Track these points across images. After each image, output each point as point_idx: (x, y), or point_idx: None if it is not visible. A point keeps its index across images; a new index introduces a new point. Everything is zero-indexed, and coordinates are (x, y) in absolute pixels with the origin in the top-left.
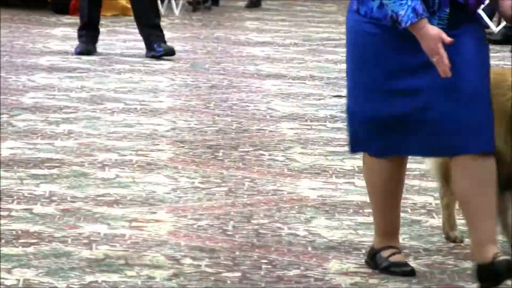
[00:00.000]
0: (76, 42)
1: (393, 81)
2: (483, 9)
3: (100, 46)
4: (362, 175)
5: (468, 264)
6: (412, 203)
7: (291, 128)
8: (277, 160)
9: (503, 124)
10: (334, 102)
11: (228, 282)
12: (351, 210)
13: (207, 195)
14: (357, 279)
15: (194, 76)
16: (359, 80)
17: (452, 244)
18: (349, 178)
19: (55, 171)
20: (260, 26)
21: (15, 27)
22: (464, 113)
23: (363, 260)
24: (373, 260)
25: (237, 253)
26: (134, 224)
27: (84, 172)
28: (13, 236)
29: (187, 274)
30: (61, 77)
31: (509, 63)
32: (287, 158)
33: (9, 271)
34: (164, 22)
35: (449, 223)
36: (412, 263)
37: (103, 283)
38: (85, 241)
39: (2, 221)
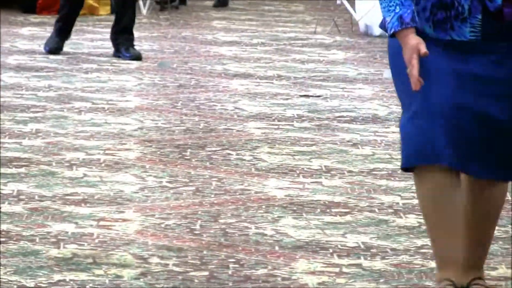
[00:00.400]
0: (42, 42)
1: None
2: None
3: (67, 45)
4: (329, 174)
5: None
6: (380, 203)
7: (259, 128)
8: (245, 160)
9: None
10: (302, 101)
11: (196, 281)
12: (319, 210)
13: (175, 194)
14: (324, 278)
15: (161, 75)
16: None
17: (419, 244)
18: (316, 177)
19: (22, 170)
20: (228, 25)
21: None
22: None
23: (330, 260)
24: None
25: (204, 252)
26: (101, 223)
27: (52, 171)
28: None
29: (154, 273)
30: (28, 76)
31: None
32: (255, 158)
33: None
34: None
35: None
36: (379, 262)
37: (71, 282)
38: (53, 240)
39: None
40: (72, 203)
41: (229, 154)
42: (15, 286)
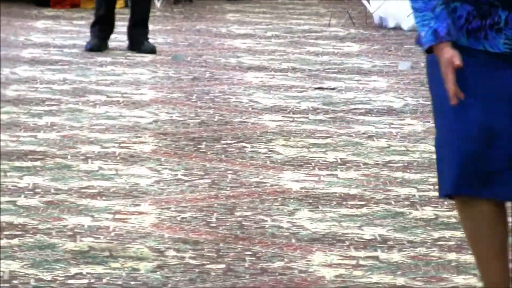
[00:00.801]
0: (56, 35)
1: None
2: None
3: (81, 39)
4: (344, 167)
5: (453, 256)
6: (396, 195)
7: (273, 120)
8: (260, 152)
9: None
10: (316, 94)
11: (212, 274)
12: (334, 202)
13: (190, 187)
14: (341, 271)
15: (176, 68)
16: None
17: (436, 236)
18: (332, 170)
19: (38, 163)
20: (242, 18)
21: None
22: None
23: (347, 252)
24: None
25: (221, 245)
26: (117, 216)
27: (67, 164)
28: None
29: (171, 266)
30: (43, 69)
31: None
32: (270, 150)
33: None
34: None
35: None
36: (396, 255)
37: (88, 275)
38: (69, 233)
39: None
40: (88, 196)
41: (244, 146)
42: (32, 280)
